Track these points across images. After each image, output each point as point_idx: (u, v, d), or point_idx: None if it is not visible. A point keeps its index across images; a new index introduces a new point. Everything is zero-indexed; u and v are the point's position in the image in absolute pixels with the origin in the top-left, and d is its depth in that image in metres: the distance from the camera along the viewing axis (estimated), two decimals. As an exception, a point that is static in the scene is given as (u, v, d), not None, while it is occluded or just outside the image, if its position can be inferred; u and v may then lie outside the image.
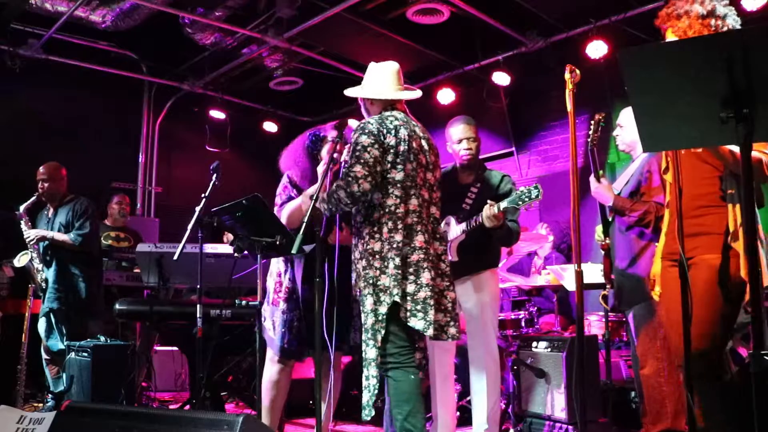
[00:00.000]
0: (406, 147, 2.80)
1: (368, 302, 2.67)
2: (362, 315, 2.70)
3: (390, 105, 2.96)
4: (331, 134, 3.12)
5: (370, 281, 2.68)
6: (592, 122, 3.39)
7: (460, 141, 3.58)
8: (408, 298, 2.66)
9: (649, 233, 3.27)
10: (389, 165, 2.76)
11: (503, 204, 3.24)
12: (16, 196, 5.15)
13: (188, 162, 8.19)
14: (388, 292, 2.64)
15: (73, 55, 6.97)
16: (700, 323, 2.23)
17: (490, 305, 3.48)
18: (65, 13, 6.10)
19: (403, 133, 2.81)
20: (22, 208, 4.81)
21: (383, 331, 2.64)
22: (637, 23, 5.57)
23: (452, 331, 2.77)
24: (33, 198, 4.86)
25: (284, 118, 8.25)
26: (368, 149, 2.71)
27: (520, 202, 3.21)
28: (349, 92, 3.09)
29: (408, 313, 2.65)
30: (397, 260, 2.65)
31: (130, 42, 7.15)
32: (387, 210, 2.72)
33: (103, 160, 7.20)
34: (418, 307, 2.65)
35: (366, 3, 5.94)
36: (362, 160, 2.69)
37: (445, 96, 6.89)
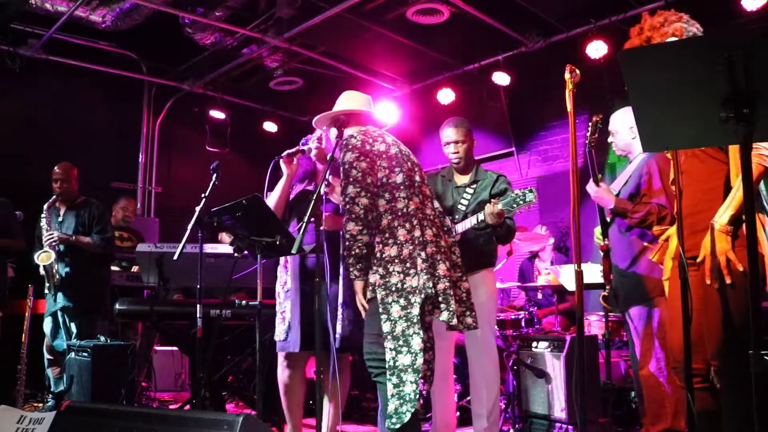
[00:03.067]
0: (398, 150, 2.83)
1: (395, 309, 2.61)
2: (387, 324, 2.62)
3: (364, 125, 2.99)
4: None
5: (393, 288, 2.63)
6: (590, 124, 3.40)
7: (447, 144, 3.62)
8: None
9: (650, 234, 3.27)
10: (386, 170, 2.76)
11: (498, 206, 3.26)
12: (17, 195, 5.15)
13: (188, 162, 8.19)
14: (417, 291, 2.60)
15: (73, 55, 6.96)
16: (730, 318, 2.20)
17: (487, 305, 3.49)
18: (65, 13, 6.10)
19: (389, 138, 2.87)
20: (45, 206, 4.86)
21: (422, 332, 2.59)
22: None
23: (469, 320, 2.78)
24: (54, 197, 4.91)
25: (284, 118, 8.25)
26: (354, 164, 2.71)
27: (515, 205, 3.23)
28: (323, 115, 3.06)
29: (431, 306, 2.64)
30: (424, 254, 2.64)
31: (130, 42, 7.15)
32: (399, 213, 2.71)
33: (103, 160, 7.20)
34: (440, 299, 2.64)
35: (366, 3, 5.93)
36: (351, 178, 2.70)
37: (445, 96, 6.90)
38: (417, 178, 2.84)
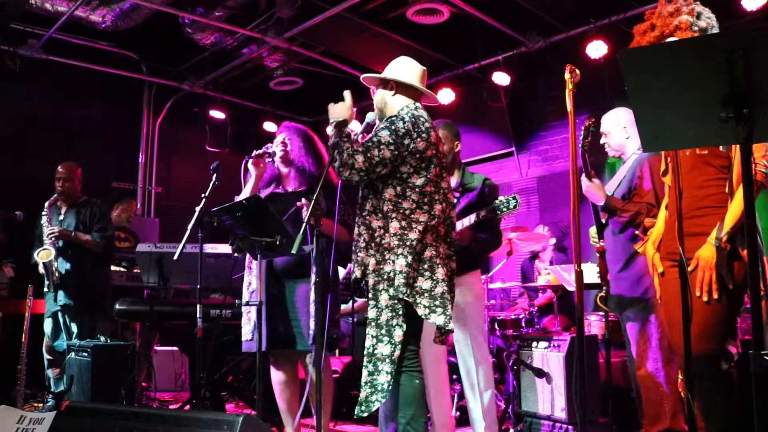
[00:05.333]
0: (435, 151, 2.73)
1: (383, 297, 2.59)
2: (373, 310, 2.62)
3: (415, 99, 2.88)
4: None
5: (385, 276, 2.61)
6: (583, 128, 3.40)
7: None
8: (426, 294, 2.60)
9: (641, 235, 3.27)
10: (412, 169, 2.67)
11: (483, 212, 3.34)
12: (16, 195, 5.16)
13: (188, 162, 8.19)
14: (404, 286, 2.58)
15: (73, 55, 6.96)
16: (700, 324, 2.23)
17: (476, 306, 3.50)
18: (65, 13, 6.10)
19: (434, 136, 2.74)
20: (46, 204, 4.87)
21: (405, 326, 2.57)
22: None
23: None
24: (55, 195, 4.92)
25: (284, 118, 8.21)
26: (381, 148, 2.62)
27: (498, 212, 3.31)
28: (373, 75, 2.96)
29: (428, 310, 2.59)
30: (410, 258, 2.58)
31: (130, 42, 7.15)
32: (401, 211, 2.64)
33: (103, 160, 7.20)
34: (437, 303, 2.60)
35: (366, 3, 5.94)
36: (369, 154, 2.61)
37: (445, 96, 6.89)
38: (444, 185, 2.76)
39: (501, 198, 3.35)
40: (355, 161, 2.61)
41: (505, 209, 3.31)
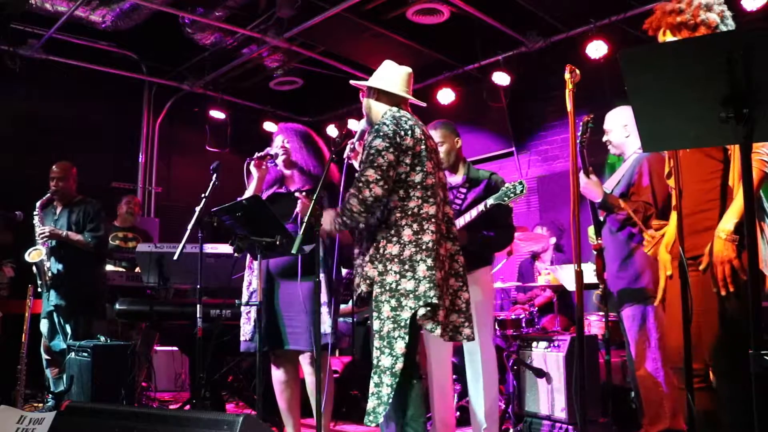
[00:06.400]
0: (424, 147, 2.74)
1: (386, 308, 2.60)
2: (377, 321, 2.63)
3: (397, 104, 2.90)
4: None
5: (388, 287, 2.61)
6: (581, 124, 3.39)
7: None
8: (410, 295, 2.60)
9: (639, 234, 3.27)
10: (408, 167, 2.69)
11: (490, 200, 3.32)
12: (16, 195, 5.16)
13: (188, 162, 8.19)
14: (411, 296, 2.57)
15: (73, 55, 6.97)
16: (724, 321, 2.20)
17: (484, 303, 3.48)
18: (65, 13, 6.10)
19: (419, 132, 2.76)
20: (38, 204, 4.85)
21: (407, 338, 2.56)
22: (637, 23, 5.54)
23: (467, 331, 2.74)
24: (48, 195, 4.90)
25: (284, 118, 8.24)
26: (383, 153, 2.63)
27: (506, 198, 3.30)
28: (357, 83, 3.03)
29: (431, 314, 2.60)
30: (429, 261, 2.58)
31: (130, 42, 7.15)
32: (410, 212, 2.65)
33: (103, 160, 7.21)
34: (421, 303, 2.59)
35: (366, 3, 5.94)
36: (375, 164, 2.62)
37: (445, 96, 6.89)
38: (437, 179, 2.78)
39: (507, 185, 3.33)
40: (367, 177, 2.62)
41: (512, 195, 3.28)
